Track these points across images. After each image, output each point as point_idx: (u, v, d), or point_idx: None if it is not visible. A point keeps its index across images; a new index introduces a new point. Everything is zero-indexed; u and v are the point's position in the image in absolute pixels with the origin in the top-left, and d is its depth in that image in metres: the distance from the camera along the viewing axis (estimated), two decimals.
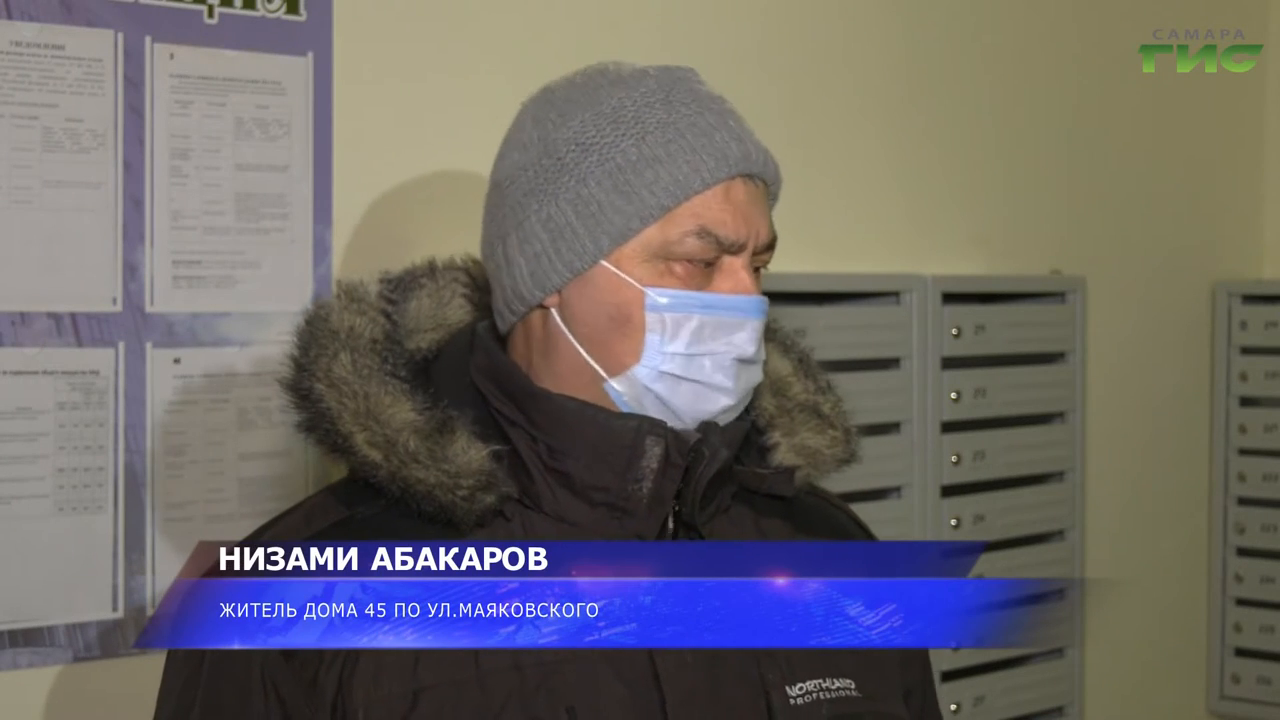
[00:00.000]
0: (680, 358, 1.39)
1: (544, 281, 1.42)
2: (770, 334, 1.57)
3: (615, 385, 1.41)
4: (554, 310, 1.43)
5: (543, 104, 1.46)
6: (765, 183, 1.44)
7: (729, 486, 1.46)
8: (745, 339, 1.41)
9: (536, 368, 1.44)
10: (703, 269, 1.40)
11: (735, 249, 1.40)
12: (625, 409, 1.41)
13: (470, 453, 1.38)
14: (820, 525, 1.54)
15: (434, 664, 1.34)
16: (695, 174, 1.39)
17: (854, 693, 1.43)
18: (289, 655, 1.35)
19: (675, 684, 1.36)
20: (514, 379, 1.43)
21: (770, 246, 1.44)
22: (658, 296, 1.39)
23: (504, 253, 1.44)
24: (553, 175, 1.41)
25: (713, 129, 1.41)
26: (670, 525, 1.42)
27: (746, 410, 1.48)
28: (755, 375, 1.44)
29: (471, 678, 1.34)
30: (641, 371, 1.40)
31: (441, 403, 1.41)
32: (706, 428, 1.42)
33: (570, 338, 1.42)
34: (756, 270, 1.44)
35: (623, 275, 1.40)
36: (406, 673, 1.34)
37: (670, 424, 1.40)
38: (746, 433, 1.48)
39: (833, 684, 1.43)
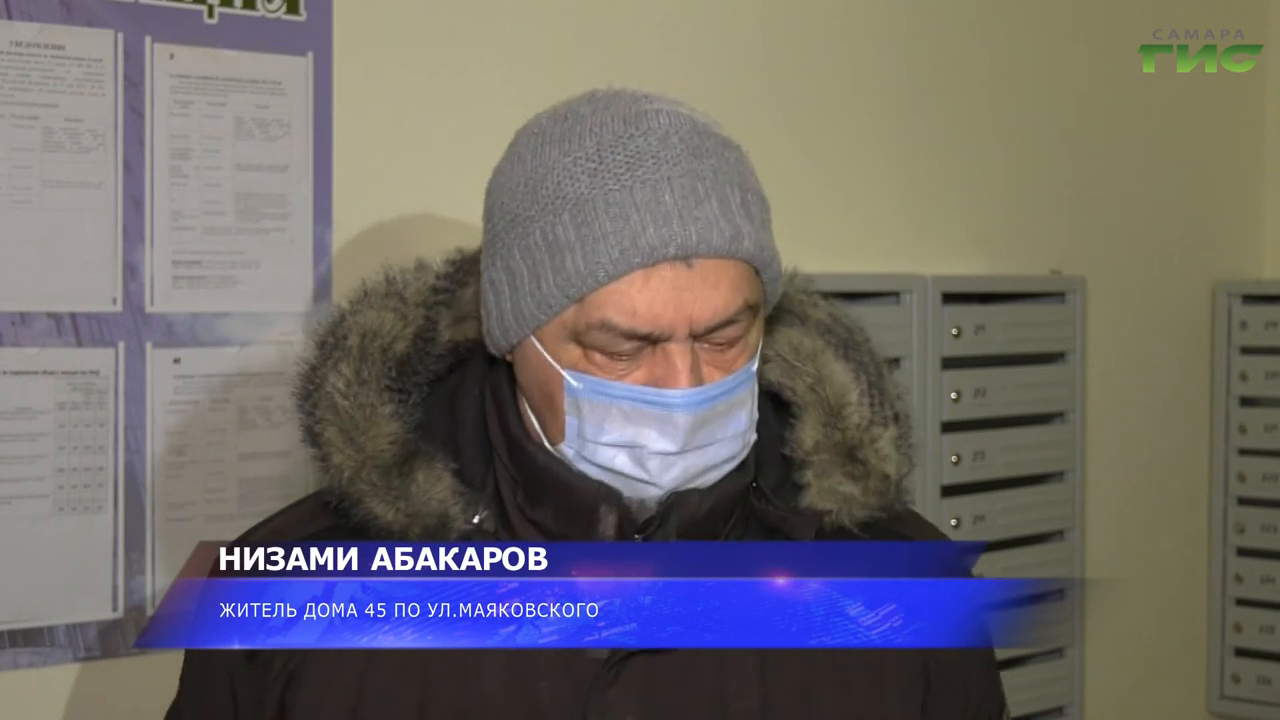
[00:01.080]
0: (595, 446, 1.32)
1: (494, 342, 1.39)
2: (848, 348, 1.46)
3: (556, 454, 1.37)
4: (515, 366, 1.40)
5: (508, 150, 1.39)
6: (723, 258, 1.30)
7: (735, 528, 1.41)
8: (664, 434, 1.30)
9: None
10: (629, 353, 1.30)
11: (655, 339, 1.29)
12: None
13: (430, 491, 1.36)
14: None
15: (377, 701, 1.34)
16: (599, 266, 1.28)
17: None
18: (251, 657, 1.36)
19: None
20: (505, 415, 1.40)
21: (728, 323, 1.30)
22: (573, 380, 1.32)
23: (480, 306, 1.42)
24: (492, 239, 1.37)
25: (631, 209, 1.28)
26: None
27: (744, 468, 1.39)
28: (703, 460, 1.33)
29: (413, 707, 1.34)
30: (568, 452, 1.35)
31: (417, 433, 1.38)
32: (672, 501, 1.34)
33: (524, 398, 1.40)
34: (723, 345, 1.32)
35: (545, 355, 1.34)
36: (349, 693, 1.35)
37: (627, 496, 1.34)
38: (746, 489, 1.39)
39: None
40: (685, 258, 1.28)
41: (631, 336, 1.29)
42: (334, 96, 2.02)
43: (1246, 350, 3.12)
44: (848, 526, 1.42)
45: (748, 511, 1.42)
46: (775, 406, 1.44)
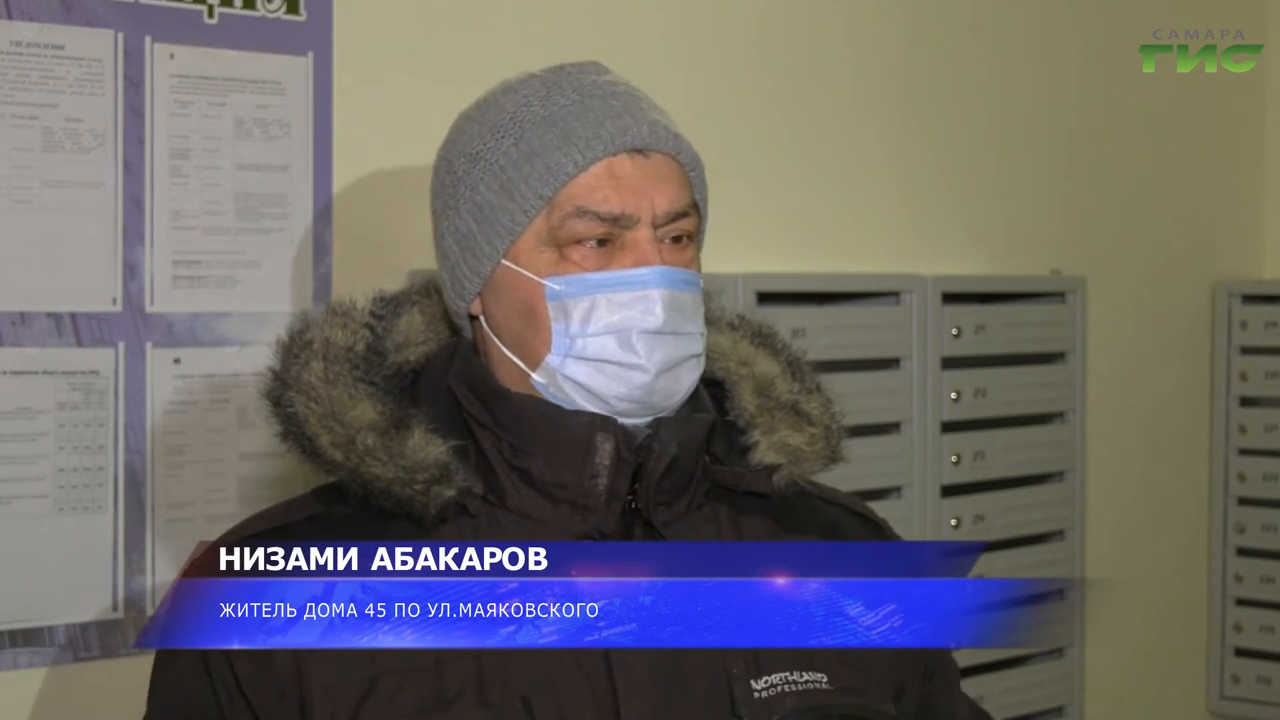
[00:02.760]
0: (584, 340, 1.40)
1: (462, 291, 1.47)
2: (761, 337, 1.58)
3: (537, 377, 1.43)
4: (481, 318, 1.47)
5: (451, 128, 1.51)
6: (670, 155, 1.44)
7: (702, 483, 1.46)
8: (645, 311, 1.40)
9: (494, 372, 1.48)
10: (601, 250, 1.41)
11: (625, 223, 1.41)
12: (556, 401, 1.42)
13: (428, 448, 1.39)
14: (807, 523, 1.52)
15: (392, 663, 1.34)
16: (567, 159, 1.41)
17: (824, 685, 1.42)
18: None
19: (629, 675, 1.36)
20: (483, 381, 1.45)
21: (683, 215, 1.44)
22: (553, 284, 1.41)
23: (440, 271, 1.50)
24: (453, 190, 1.46)
25: (587, 112, 1.43)
26: (632, 521, 1.42)
27: (701, 405, 1.48)
28: (681, 347, 1.43)
29: (429, 664, 1.34)
30: (554, 360, 1.41)
31: (403, 402, 1.43)
32: (658, 423, 1.43)
33: (497, 342, 1.46)
34: (678, 239, 1.43)
35: (522, 271, 1.42)
36: (364, 656, 1.34)
37: (622, 420, 1.41)
38: (711, 429, 1.47)
39: (800, 676, 1.42)
40: (642, 149, 1.42)
41: (605, 218, 1.40)
42: (334, 96, 2.02)
43: (1246, 350, 3.12)
44: (800, 483, 1.51)
45: (705, 474, 1.47)
46: (707, 389, 1.53)
